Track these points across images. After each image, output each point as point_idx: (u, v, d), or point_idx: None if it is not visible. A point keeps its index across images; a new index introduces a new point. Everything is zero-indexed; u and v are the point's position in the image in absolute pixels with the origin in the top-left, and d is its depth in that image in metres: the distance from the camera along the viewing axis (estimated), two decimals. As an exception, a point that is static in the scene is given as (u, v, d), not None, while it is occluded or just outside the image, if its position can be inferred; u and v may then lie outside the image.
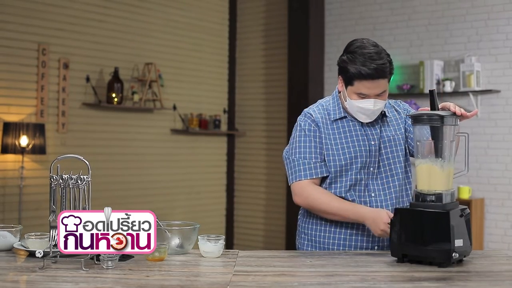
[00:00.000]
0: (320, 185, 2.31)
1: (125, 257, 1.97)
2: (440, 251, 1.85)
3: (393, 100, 2.47)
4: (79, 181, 1.90)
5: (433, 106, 2.03)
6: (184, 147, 6.17)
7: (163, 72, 5.90)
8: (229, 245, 6.48)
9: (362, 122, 2.32)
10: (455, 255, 1.85)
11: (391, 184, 2.31)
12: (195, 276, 1.79)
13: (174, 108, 6.04)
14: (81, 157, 1.93)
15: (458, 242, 1.86)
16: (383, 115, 2.35)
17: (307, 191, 2.27)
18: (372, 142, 2.30)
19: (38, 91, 5.02)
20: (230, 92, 6.70)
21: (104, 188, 5.37)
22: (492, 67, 5.27)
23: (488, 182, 5.29)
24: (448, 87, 5.38)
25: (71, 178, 1.90)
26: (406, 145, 2.37)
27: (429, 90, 2.04)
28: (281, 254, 2.15)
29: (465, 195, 5.21)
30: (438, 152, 1.96)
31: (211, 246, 2.02)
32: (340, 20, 6.13)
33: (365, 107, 2.24)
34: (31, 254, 2.00)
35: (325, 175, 2.29)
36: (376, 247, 2.28)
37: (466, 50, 5.40)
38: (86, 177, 1.91)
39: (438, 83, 5.47)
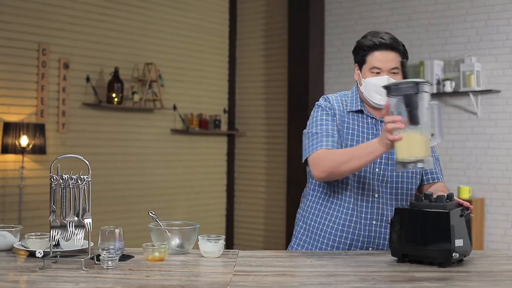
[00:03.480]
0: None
1: (125, 257, 1.97)
2: (440, 251, 1.85)
3: None
4: (79, 181, 1.90)
5: (406, 76, 2.06)
6: (184, 147, 6.17)
7: (163, 72, 5.91)
8: (229, 245, 6.48)
9: (376, 121, 2.31)
10: (455, 255, 1.85)
11: (399, 191, 2.30)
12: (195, 276, 1.79)
13: (174, 108, 6.04)
14: (81, 157, 1.93)
15: (458, 242, 1.86)
16: None
17: (321, 157, 2.19)
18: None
19: (38, 91, 5.02)
20: (230, 92, 6.70)
21: (105, 188, 5.37)
22: (492, 67, 5.27)
23: (488, 182, 5.29)
24: (448, 87, 5.38)
25: (71, 178, 1.90)
26: None
27: (400, 61, 2.05)
28: (281, 254, 2.15)
29: (465, 195, 5.21)
30: (415, 119, 1.95)
31: (211, 246, 2.02)
32: (340, 20, 6.13)
33: (378, 83, 2.22)
34: (31, 254, 2.00)
35: (341, 147, 2.25)
36: (370, 248, 2.27)
37: (466, 50, 5.40)
38: (86, 177, 1.91)
39: (438, 83, 5.47)
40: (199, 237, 2.04)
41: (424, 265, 1.89)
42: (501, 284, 1.70)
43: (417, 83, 1.93)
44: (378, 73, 2.24)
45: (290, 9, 6.17)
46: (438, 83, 5.47)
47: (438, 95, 5.51)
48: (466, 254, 1.93)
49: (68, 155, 1.96)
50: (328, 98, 2.37)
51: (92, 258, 1.89)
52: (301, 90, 5.95)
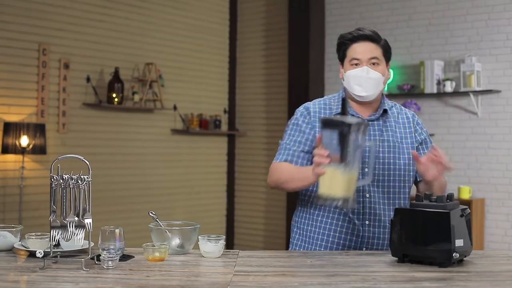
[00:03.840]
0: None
1: (125, 257, 1.97)
2: (441, 251, 1.85)
3: (407, 109, 2.46)
4: (79, 181, 1.90)
5: (344, 113, 2.03)
6: (184, 147, 6.18)
7: (164, 72, 5.91)
8: (229, 245, 6.48)
9: (363, 120, 2.31)
10: (456, 255, 1.85)
11: (390, 190, 2.30)
12: (195, 276, 1.79)
13: (175, 108, 6.04)
14: (82, 157, 1.93)
15: (459, 242, 1.86)
16: (384, 113, 2.35)
17: (273, 168, 2.31)
18: (367, 143, 2.25)
19: (38, 91, 5.02)
20: (230, 92, 6.70)
21: (105, 188, 5.37)
22: (492, 67, 5.27)
23: (488, 182, 5.29)
24: (449, 87, 5.38)
25: (72, 178, 1.90)
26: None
27: (342, 98, 2.03)
28: (282, 254, 2.15)
29: (465, 195, 5.21)
30: (343, 157, 1.95)
31: (212, 246, 2.02)
32: (341, 20, 6.13)
33: (357, 74, 2.26)
34: (32, 254, 2.00)
35: (298, 165, 2.28)
36: (364, 248, 2.27)
37: (467, 50, 5.40)
38: (87, 177, 1.91)
39: (438, 83, 5.47)
40: (199, 237, 2.04)
41: (424, 265, 1.89)
42: (501, 284, 1.70)
43: (349, 124, 1.92)
44: (357, 64, 2.27)
45: (291, 9, 6.17)
46: (439, 83, 5.47)
47: (438, 95, 5.52)
48: (466, 254, 1.93)
49: (68, 155, 1.96)
50: (308, 105, 2.40)
51: (92, 258, 1.89)
52: (301, 90, 5.95)
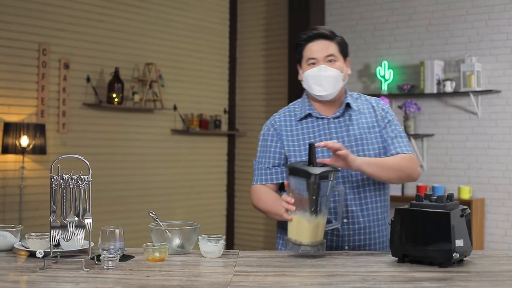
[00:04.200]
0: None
1: (125, 257, 1.97)
2: (441, 251, 1.85)
3: (373, 98, 2.43)
4: (79, 181, 1.90)
5: (311, 160, 2.01)
6: (184, 147, 6.18)
7: (164, 72, 5.91)
8: (229, 245, 6.48)
9: (328, 119, 2.31)
10: (456, 255, 1.85)
11: (366, 188, 2.27)
12: (195, 276, 1.79)
13: (175, 108, 6.04)
14: (82, 157, 1.93)
15: (459, 242, 1.86)
16: (347, 108, 2.32)
17: (254, 193, 2.35)
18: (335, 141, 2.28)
19: (38, 91, 5.02)
20: (230, 92, 6.70)
21: (105, 188, 5.37)
22: (492, 67, 5.27)
23: (488, 182, 5.29)
24: (449, 87, 5.38)
25: (72, 178, 1.90)
26: (383, 145, 2.30)
27: (309, 144, 2.02)
28: (282, 254, 2.15)
29: (465, 195, 5.21)
30: (310, 205, 1.96)
31: (212, 246, 2.02)
32: (341, 20, 6.13)
33: (313, 73, 2.27)
34: (32, 254, 2.00)
35: (275, 182, 2.32)
36: (346, 247, 2.27)
37: (467, 50, 5.40)
38: (87, 177, 1.91)
39: (438, 83, 5.47)
40: (199, 237, 2.04)
41: (424, 265, 1.89)
42: (501, 284, 1.70)
43: (310, 174, 1.93)
44: (314, 63, 2.28)
45: (291, 9, 6.17)
46: (439, 83, 5.47)
47: (439, 95, 5.52)
48: (466, 254, 1.93)
49: (68, 155, 1.96)
50: (273, 119, 2.41)
51: (92, 258, 1.89)
52: (301, 90, 5.94)
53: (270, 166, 2.33)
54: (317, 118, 2.33)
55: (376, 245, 2.31)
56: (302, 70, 2.34)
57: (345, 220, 2.24)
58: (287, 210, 2.02)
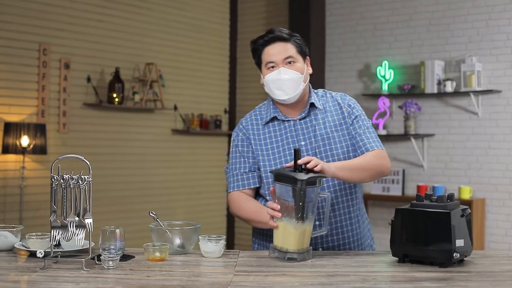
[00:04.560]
0: (260, 192, 2.31)
1: (126, 257, 1.97)
2: (441, 251, 1.85)
3: (339, 93, 2.39)
4: (80, 181, 1.90)
5: (296, 166, 1.98)
6: (185, 147, 6.18)
7: (164, 72, 5.91)
8: (230, 245, 6.48)
9: (294, 121, 2.28)
10: (456, 255, 1.85)
11: (337, 188, 2.25)
12: (196, 276, 1.79)
13: (175, 108, 6.04)
14: (82, 157, 1.93)
15: (459, 242, 1.86)
16: (313, 108, 2.30)
17: (233, 200, 2.30)
18: (302, 143, 2.25)
19: (39, 91, 5.02)
20: (231, 92, 6.70)
21: (105, 188, 5.37)
22: (493, 67, 5.27)
23: (489, 182, 5.29)
24: (449, 87, 5.38)
25: (72, 178, 1.90)
26: (352, 142, 2.27)
27: (294, 149, 1.99)
28: (282, 254, 2.15)
29: (466, 195, 5.21)
30: (296, 212, 1.94)
31: (212, 246, 2.02)
32: (341, 20, 6.13)
33: (273, 77, 2.22)
34: (32, 254, 2.00)
35: (252, 186, 2.28)
36: (320, 248, 2.25)
37: (467, 50, 5.40)
38: (87, 177, 1.91)
39: (439, 83, 5.47)
40: (199, 237, 2.04)
41: (424, 265, 1.89)
42: (502, 284, 1.70)
43: (296, 180, 1.91)
44: (273, 67, 2.23)
45: (291, 9, 6.17)
46: (439, 83, 5.47)
47: (439, 95, 5.51)
48: (467, 254, 1.93)
49: (69, 155, 1.96)
50: (241, 123, 2.38)
51: (93, 258, 1.89)
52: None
53: (247, 170, 2.30)
54: (283, 121, 2.30)
55: (351, 243, 2.29)
56: (262, 74, 2.28)
57: (317, 223, 2.19)
58: (272, 217, 1.99)
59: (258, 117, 2.36)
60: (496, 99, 5.27)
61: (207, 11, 6.44)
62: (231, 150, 2.38)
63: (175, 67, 6.08)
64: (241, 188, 2.30)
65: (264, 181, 2.28)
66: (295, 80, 2.22)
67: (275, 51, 2.23)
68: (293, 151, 2.00)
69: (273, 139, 2.29)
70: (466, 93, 5.31)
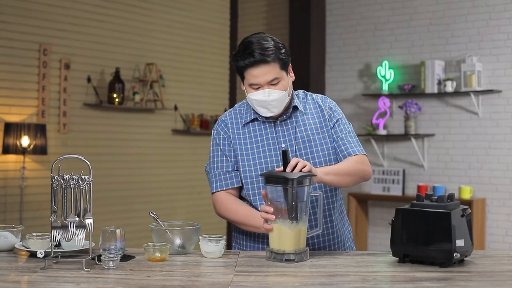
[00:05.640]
0: (241, 194, 2.28)
1: (126, 258, 1.97)
2: (442, 251, 1.85)
3: (320, 95, 2.38)
4: (80, 182, 1.90)
5: (285, 166, 1.98)
6: (185, 147, 6.17)
7: (164, 72, 5.91)
8: (230, 245, 6.47)
9: (274, 123, 2.26)
10: (457, 255, 1.85)
11: (317, 191, 2.20)
12: (196, 277, 1.79)
13: (175, 108, 6.05)
14: (82, 158, 1.93)
15: (460, 242, 1.86)
16: (294, 110, 2.28)
17: (220, 202, 2.24)
18: (283, 145, 2.23)
19: (39, 92, 5.02)
20: (231, 92, 6.70)
21: (106, 188, 5.37)
22: (493, 67, 5.27)
23: (489, 182, 5.29)
24: (450, 87, 5.38)
25: (72, 179, 1.90)
26: (333, 145, 2.25)
27: (282, 151, 1.99)
28: (282, 254, 2.15)
29: (466, 195, 5.21)
30: (289, 212, 1.94)
31: (212, 246, 2.02)
32: (341, 20, 6.13)
33: (258, 98, 2.18)
34: (33, 254, 2.00)
35: (236, 186, 2.24)
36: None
37: (468, 50, 5.40)
38: (88, 178, 1.91)
39: (439, 83, 5.47)
40: (200, 237, 2.04)
41: (425, 265, 1.89)
42: (502, 284, 1.70)
43: (287, 180, 1.91)
44: (258, 88, 2.18)
45: (291, 9, 6.17)
46: (439, 83, 5.47)
47: (439, 95, 5.51)
48: (467, 254, 1.93)
49: (69, 156, 1.96)
50: (221, 120, 2.34)
51: (93, 259, 1.89)
52: (301, 89, 5.94)
53: (229, 170, 2.25)
54: (263, 122, 2.27)
55: (336, 245, 2.28)
56: (245, 88, 2.23)
57: (313, 223, 2.18)
58: (266, 221, 1.98)
59: (238, 116, 2.32)
60: (496, 99, 5.27)
61: (207, 11, 6.44)
62: (211, 148, 2.32)
63: (176, 67, 6.08)
64: (224, 188, 2.24)
65: (243, 181, 2.25)
66: (280, 99, 2.19)
67: (259, 73, 2.16)
68: (281, 152, 1.99)
69: (253, 139, 2.26)
70: (467, 93, 5.31)
